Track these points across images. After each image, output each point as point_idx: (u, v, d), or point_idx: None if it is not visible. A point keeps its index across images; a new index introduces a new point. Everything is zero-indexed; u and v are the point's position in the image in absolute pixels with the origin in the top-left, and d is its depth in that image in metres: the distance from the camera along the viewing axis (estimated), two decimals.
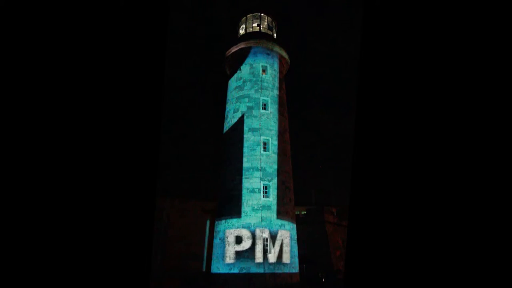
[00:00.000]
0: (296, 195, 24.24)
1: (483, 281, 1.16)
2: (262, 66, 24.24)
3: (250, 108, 23.07)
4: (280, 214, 21.19)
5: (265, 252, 19.96)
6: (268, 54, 24.59)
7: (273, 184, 21.53)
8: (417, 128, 1.36)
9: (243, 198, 21.06)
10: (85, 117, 1.36)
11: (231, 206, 21.29)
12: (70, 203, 1.30)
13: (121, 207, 1.38)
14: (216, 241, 21.49)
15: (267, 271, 19.46)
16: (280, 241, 20.60)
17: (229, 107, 24.32)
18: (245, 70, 24.22)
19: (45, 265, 1.24)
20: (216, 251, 21.16)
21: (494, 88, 1.23)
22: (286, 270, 20.29)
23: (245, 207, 20.82)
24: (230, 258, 20.15)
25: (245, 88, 23.71)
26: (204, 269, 22.60)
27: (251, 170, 21.55)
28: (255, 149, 22.02)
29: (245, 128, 22.64)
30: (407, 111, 1.39)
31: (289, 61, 26.27)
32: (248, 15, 26.38)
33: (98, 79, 1.39)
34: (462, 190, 1.24)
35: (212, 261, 21.27)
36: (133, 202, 1.41)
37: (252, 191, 21.09)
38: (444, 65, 1.33)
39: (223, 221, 21.53)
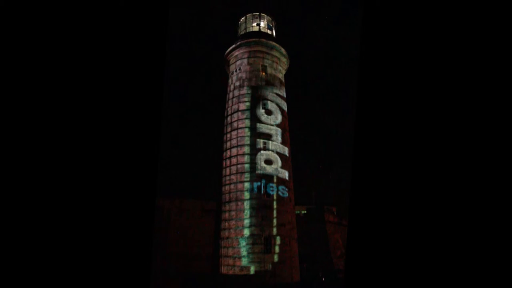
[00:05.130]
0: (296, 195, 24.25)
1: (483, 281, 1.16)
2: (261, 65, 24.23)
3: (249, 108, 23.06)
4: (280, 213, 21.19)
5: (265, 251, 19.96)
6: (267, 53, 24.58)
7: (273, 184, 21.53)
8: (417, 127, 1.36)
9: (243, 197, 21.07)
10: (85, 117, 1.36)
11: (232, 206, 21.30)
12: (70, 203, 1.30)
13: (121, 207, 1.38)
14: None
15: (267, 270, 19.46)
16: (280, 240, 20.61)
17: (229, 106, 24.31)
18: (244, 69, 24.21)
19: (45, 264, 1.24)
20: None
21: (494, 87, 1.23)
22: (286, 269, 20.30)
23: (246, 207, 20.82)
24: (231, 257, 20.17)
25: (245, 87, 23.70)
26: (204, 269, 22.58)
27: (251, 170, 21.55)
28: (255, 149, 22.02)
29: (245, 128, 22.63)
30: (407, 111, 1.39)
31: (288, 60, 26.27)
32: (247, 15, 26.37)
33: (98, 79, 1.39)
34: (463, 189, 1.24)
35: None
36: (133, 202, 1.41)
37: (252, 190, 21.09)
38: (444, 64, 1.33)
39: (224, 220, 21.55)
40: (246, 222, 20.54)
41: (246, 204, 20.87)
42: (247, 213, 20.69)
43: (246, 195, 21.07)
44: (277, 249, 20.27)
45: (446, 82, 1.32)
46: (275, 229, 20.60)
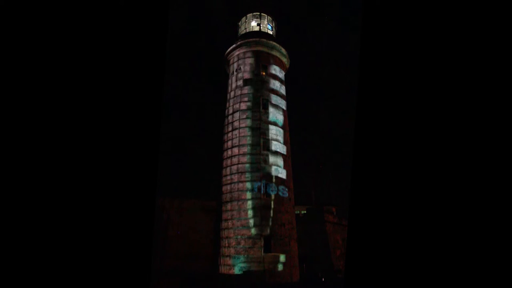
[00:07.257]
0: (296, 195, 24.26)
1: (483, 281, 1.16)
2: (261, 65, 24.23)
3: (250, 108, 23.07)
4: (280, 213, 21.20)
5: (265, 251, 19.97)
6: (268, 53, 24.59)
7: (273, 184, 21.54)
8: (417, 127, 1.36)
9: (244, 197, 21.09)
10: (85, 117, 1.36)
11: (232, 206, 21.32)
12: (70, 203, 1.30)
13: (121, 207, 1.38)
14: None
15: (267, 270, 19.47)
16: (280, 240, 20.61)
17: (229, 106, 24.31)
18: (245, 69, 24.21)
19: (45, 264, 1.24)
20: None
21: (495, 87, 1.23)
22: (286, 269, 20.31)
23: (246, 206, 20.84)
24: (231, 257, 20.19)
25: (245, 87, 23.70)
26: (203, 268, 22.58)
27: (252, 169, 21.57)
28: (255, 149, 22.03)
29: (245, 128, 22.64)
30: (407, 111, 1.39)
31: (288, 60, 26.27)
32: (248, 15, 26.38)
33: (97, 79, 1.39)
34: (463, 189, 1.24)
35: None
36: (133, 202, 1.41)
37: (253, 190, 21.11)
38: (444, 65, 1.33)
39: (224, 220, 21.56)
40: (246, 222, 20.55)
41: (247, 204, 20.89)
42: (247, 213, 20.70)
43: (247, 195, 21.08)
44: (277, 248, 20.27)
45: (447, 82, 1.32)
46: (275, 229, 20.60)
